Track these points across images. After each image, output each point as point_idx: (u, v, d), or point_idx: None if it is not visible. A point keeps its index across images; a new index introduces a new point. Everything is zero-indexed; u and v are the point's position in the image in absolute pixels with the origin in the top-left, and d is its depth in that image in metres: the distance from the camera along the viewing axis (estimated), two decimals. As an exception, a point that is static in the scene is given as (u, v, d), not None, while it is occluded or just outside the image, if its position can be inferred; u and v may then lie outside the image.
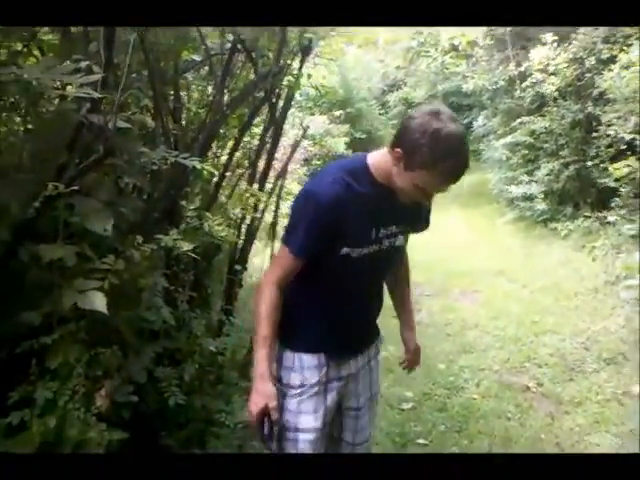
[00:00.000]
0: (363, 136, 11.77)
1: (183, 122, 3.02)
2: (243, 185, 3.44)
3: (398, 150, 1.52)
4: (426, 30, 13.36)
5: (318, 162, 10.06)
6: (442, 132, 1.46)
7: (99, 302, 1.85)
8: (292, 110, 7.19)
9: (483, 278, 5.69)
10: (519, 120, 8.26)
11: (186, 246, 2.06)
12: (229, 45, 2.85)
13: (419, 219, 1.82)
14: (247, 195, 2.77)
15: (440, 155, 1.47)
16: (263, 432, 1.57)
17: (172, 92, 2.87)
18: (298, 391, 1.71)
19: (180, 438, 2.51)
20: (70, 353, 1.92)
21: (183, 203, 2.31)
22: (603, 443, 3.00)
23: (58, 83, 1.76)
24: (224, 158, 3.25)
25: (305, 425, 1.69)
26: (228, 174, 3.58)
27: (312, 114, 10.57)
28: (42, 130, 2.03)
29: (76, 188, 1.78)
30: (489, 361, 3.97)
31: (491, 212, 8.59)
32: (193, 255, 2.14)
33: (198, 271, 2.88)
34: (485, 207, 8.76)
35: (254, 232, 3.38)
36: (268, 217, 3.85)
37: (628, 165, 3.89)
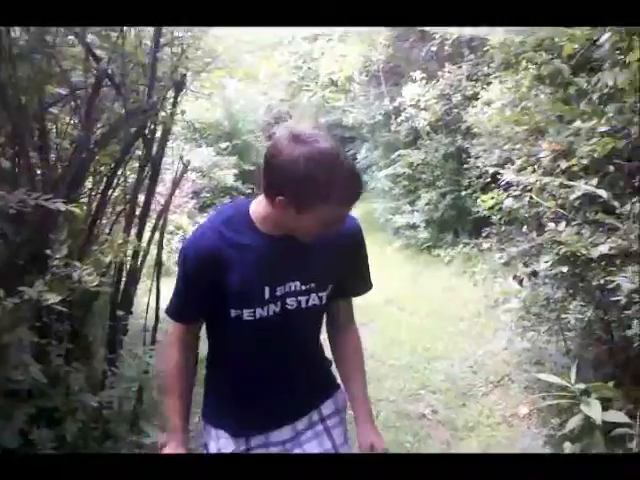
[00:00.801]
0: (252, 168, 11.73)
1: (53, 159, 2.78)
2: (121, 225, 3.25)
3: (280, 198, 1.29)
4: (305, 65, 13.77)
5: (207, 195, 9.92)
6: (316, 154, 1.25)
7: (-48, 367, 1.62)
8: (177, 142, 7.02)
9: (376, 307, 5.75)
10: (397, 153, 8.66)
11: (53, 298, 1.85)
12: (94, 76, 2.69)
13: (344, 275, 1.52)
14: (118, 242, 2.54)
15: (328, 180, 1.25)
16: None
17: (37, 128, 2.63)
18: None
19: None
20: None
21: (48, 252, 2.07)
22: (497, 466, 3.09)
23: None
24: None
25: None
26: (109, 210, 3.36)
27: (199, 146, 10.38)
28: None
29: None
30: (386, 391, 3.98)
31: (380, 240, 8.83)
32: (61, 308, 1.92)
33: (74, 320, 2.63)
34: (374, 235, 9.01)
35: (137, 273, 3.16)
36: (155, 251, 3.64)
37: (492, 197, 4.14)
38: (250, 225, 1.41)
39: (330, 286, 1.50)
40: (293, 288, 1.44)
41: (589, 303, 3.16)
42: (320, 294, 1.48)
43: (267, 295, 1.42)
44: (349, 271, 1.53)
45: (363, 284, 1.62)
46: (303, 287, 1.44)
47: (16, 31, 2.45)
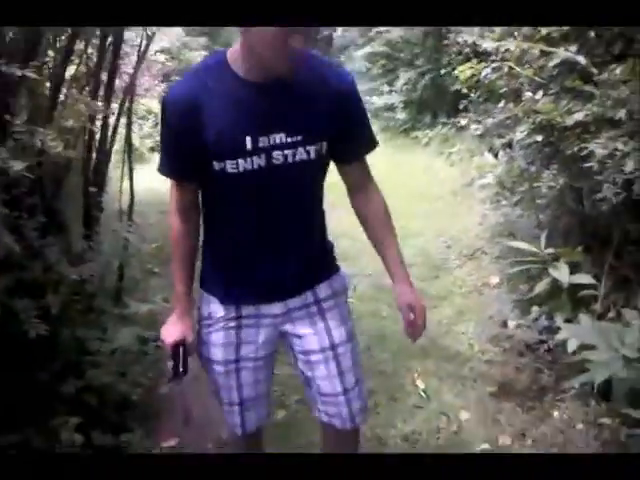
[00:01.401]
0: (223, 49, 11.16)
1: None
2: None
3: None
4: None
5: (177, 77, 9.48)
6: None
7: None
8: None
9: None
10: (375, 30, 8.29)
11: (17, 165, 1.79)
12: None
13: (341, 132, 1.44)
14: (80, 106, 2.40)
15: None
16: (175, 366, 1.52)
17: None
18: (207, 322, 1.58)
19: (53, 370, 2.33)
20: None
21: (7, 117, 1.98)
22: (467, 331, 3.26)
23: None
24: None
25: (214, 357, 1.58)
26: (73, 89, 3.21)
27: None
28: None
29: None
30: (363, 267, 4.07)
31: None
32: (29, 175, 1.87)
33: (46, 195, 2.59)
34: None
35: (108, 150, 3.08)
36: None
37: (471, 67, 4.01)
38: (227, 70, 1.37)
39: (324, 144, 1.43)
40: (278, 140, 1.37)
41: (562, 172, 3.19)
42: (308, 147, 1.40)
43: (249, 146, 1.36)
44: (346, 127, 1.45)
45: (366, 141, 1.54)
46: (289, 139, 1.38)
47: None
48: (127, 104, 3.42)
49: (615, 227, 2.90)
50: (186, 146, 1.39)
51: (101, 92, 3.03)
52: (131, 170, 3.31)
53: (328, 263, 1.64)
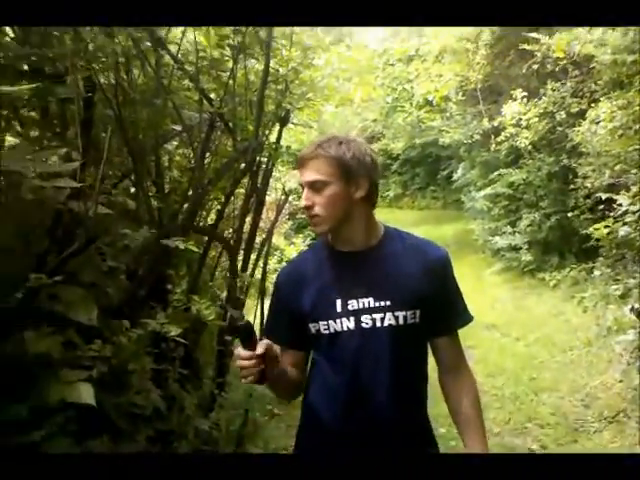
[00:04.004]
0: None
1: (166, 189, 2.96)
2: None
3: None
4: (400, 87, 13.76)
5: (303, 216, 10.07)
6: None
7: (87, 394, 1.76)
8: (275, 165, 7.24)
9: (477, 332, 5.58)
10: (497, 172, 8.41)
11: (174, 330, 1.97)
12: (206, 117, 2.84)
13: (433, 304, 1.46)
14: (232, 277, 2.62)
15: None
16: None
17: (153, 162, 2.81)
18: None
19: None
20: (59, 449, 1.81)
21: (169, 287, 2.21)
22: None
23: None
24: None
25: None
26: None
27: (295, 168, 10.59)
28: (20, 216, 1.95)
29: (59, 278, 1.70)
30: (489, 422, 3.82)
31: (477, 262, 8.58)
32: (181, 341, 2.05)
33: (188, 345, 2.78)
34: (471, 257, 8.76)
35: (243, 300, 3.28)
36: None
37: (607, 226, 3.92)
38: (326, 246, 1.55)
39: (417, 312, 1.44)
40: (367, 305, 1.44)
41: None
42: (397, 313, 1.43)
43: (339, 308, 1.45)
44: (437, 298, 1.48)
45: (457, 315, 1.55)
46: (377, 304, 1.44)
47: (134, 74, 2.65)
48: (265, 249, 3.69)
49: None
50: (285, 309, 1.53)
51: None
52: (262, 316, 3.47)
53: (425, 440, 1.56)
